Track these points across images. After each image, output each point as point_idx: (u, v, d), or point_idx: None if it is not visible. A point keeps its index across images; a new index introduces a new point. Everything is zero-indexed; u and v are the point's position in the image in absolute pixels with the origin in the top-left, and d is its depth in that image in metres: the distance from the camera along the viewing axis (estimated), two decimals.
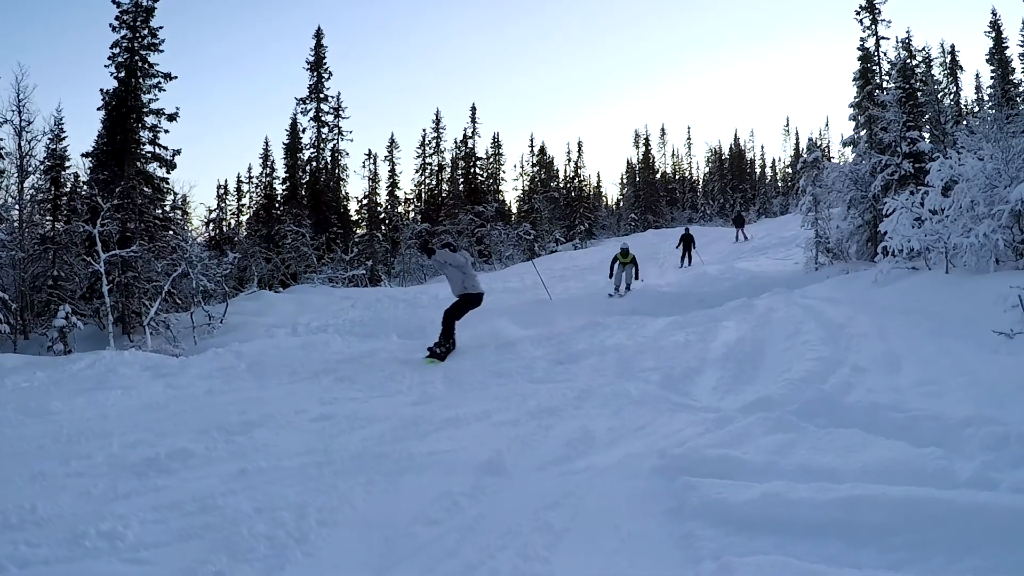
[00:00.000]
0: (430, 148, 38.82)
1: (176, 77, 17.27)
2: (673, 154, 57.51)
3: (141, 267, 15.56)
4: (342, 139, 30.04)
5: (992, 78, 27.13)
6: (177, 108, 17.39)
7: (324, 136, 29.49)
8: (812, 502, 2.56)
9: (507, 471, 3.38)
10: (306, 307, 15.32)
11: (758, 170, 57.99)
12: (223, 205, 40.17)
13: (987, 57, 27.12)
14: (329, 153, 29.72)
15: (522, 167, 46.21)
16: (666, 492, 2.98)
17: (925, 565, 2.18)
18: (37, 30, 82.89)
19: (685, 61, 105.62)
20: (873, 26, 16.22)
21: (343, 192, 30.82)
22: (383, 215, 35.44)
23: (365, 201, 34.23)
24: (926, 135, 17.54)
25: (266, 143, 33.35)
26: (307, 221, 25.29)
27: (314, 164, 29.18)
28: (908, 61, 17.36)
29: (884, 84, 16.04)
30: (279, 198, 29.18)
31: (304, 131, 29.36)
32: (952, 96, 28.48)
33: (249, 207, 36.81)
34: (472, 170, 37.21)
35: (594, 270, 18.98)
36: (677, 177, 55.02)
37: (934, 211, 9.78)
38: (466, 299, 7.74)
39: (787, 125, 67.22)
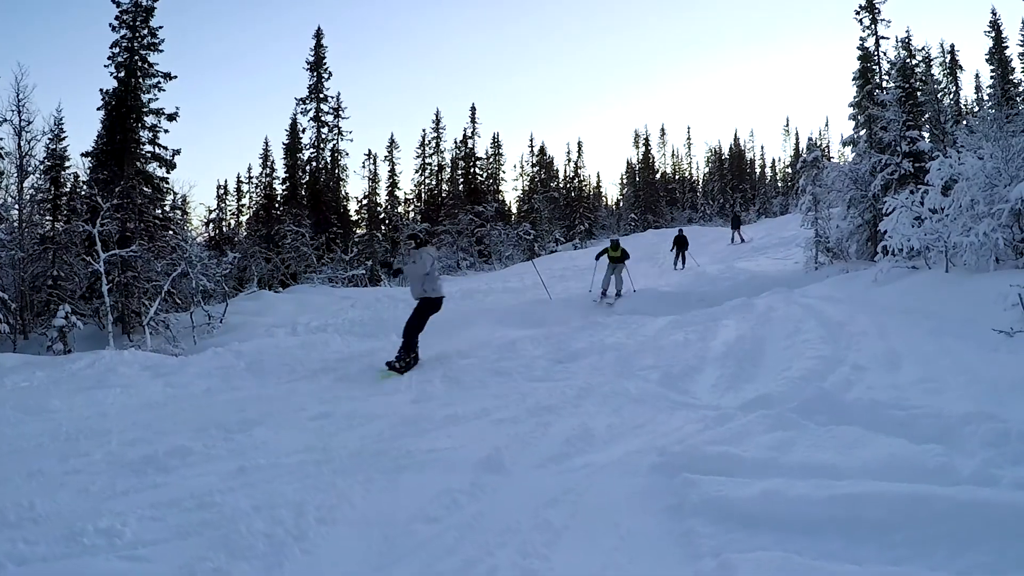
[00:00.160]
0: (430, 148, 38.83)
1: (176, 77, 17.26)
2: (673, 154, 57.53)
3: (141, 267, 15.54)
4: (342, 139, 30.02)
5: (992, 78, 27.13)
6: (177, 108, 17.39)
7: (324, 136, 29.48)
8: (812, 499, 2.55)
9: (506, 469, 3.37)
10: (306, 307, 15.31)
11: (758, 170, 57.99)
12: (223, 205, 40.14)
13: (987, 57, 27.12)
14: (329, 153, 29.71)
15: (522, 167, 46.23)
16: (666, 489, 2.97)
17: (927, 561, 2.17)
18: (37, 30, 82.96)
19: (685, 61, 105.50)
20: (873, 26, 16.22)
21: (343, 192, 30.82)
22: (383, 215, 35.44)
23: (365, 201, 34.21)
24: (926, 134, 17.54)
25: (266, 143, 33.33)
26: (307, 221, 25.28)
27: (314, 164, 29.17)
28: (908, 61, 17.34)
29: (884, 83, 16.03)
30: (279, 198, 29.16)
31: (304, 131, 29.35)
32: (952, 96, 28.45)
33: (249, 207, 36.80)
34: (472, 170, 37.20)
35: (594, 270, 18.94)
36: (677, 177, 54.98)
37: (934, 210, 9.77)
38: (426, 304, 6.98)
39: (787, 125, 67.22)
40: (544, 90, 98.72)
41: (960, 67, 29.20)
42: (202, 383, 6.05)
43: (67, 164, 18.25)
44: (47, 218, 17.73)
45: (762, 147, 76.70)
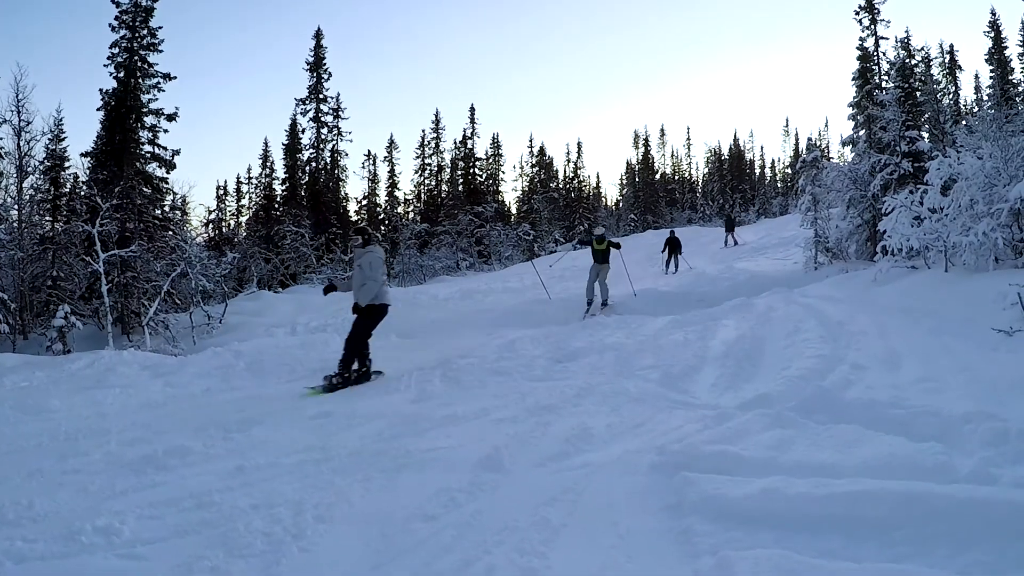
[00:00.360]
0: (429, 149, 38.83)
1: (175, 77, 17.27)
2: (672, 155, 57.59)
3: (140, 267, 15.53)
4: (341, 139, 30.07)
5: (991, 78, 27.15)
6: (176, 108, 17.40)
7: (323, 137, 29.50)
8: (811, 497, 2.55)
9: (505, 468, 3.37)
10: (305, 307, 15.29)
11: (757, 171, 58.02)
12: (222, 206, 40.13)
13: (986, 57, 27.14)
14: (328, 154, 29.74)
15: (521, 168, 46.22)
16: (665, 488, 2.96)
17: (926, 560, 2.17)
18: (37, 30, 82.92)
19: (685, 61, 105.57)
20: (872, 26, 16.24)
21: (342, 192, 30.88)
22: (382, 216, 35.45)
23: (364, 202, 34.29)
24: (925, 134, 17.52)
25: (266, 144, 33.32)
26: (306, 221, 25.28)
27: (313, 165, 29.18)
28: (907, 61, 17.30)
29: (883, 84, 16.04)
30: (278, 198, 29.19)
31: (303, 132, 29.38)
32: (951, 96, 28.48)
33: (248, 208, 36.81)
34: (471, 171, 37.18)
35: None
36: (677, 178, 55.01)
37: (933, 210, 9.77)
38: (373, 313, 6.11)
39: (786, 125, 67.45)
40: (544, 90, 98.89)
41: (959, 67, 29.26)
42: (201, 383, 6.05)
43: (67, 164, 18.31)
44: (47, 218, 17.76)
45: (762, 147, 76.89)
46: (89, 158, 17.08)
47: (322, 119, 29.33)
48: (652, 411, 4.53)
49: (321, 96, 29.28)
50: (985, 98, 28.46)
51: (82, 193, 17.04)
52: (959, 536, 2.22)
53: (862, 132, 16.06)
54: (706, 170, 55.85)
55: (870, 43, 16.34)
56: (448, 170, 38.56)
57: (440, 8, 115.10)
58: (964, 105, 29.56)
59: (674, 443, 3.56)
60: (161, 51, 17.17)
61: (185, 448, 3.72)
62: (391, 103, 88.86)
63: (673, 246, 19.12)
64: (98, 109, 16.98)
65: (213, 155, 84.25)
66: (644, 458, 3.40)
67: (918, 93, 17.53)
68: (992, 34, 26.95)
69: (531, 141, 63.74)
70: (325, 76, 29.38)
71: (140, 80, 17.00)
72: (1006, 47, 26.77)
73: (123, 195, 15.47)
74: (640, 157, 52.72)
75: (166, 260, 16.09)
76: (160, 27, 17.13)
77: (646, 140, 52.88)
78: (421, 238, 31.33)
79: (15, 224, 15.81)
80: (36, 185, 17.13)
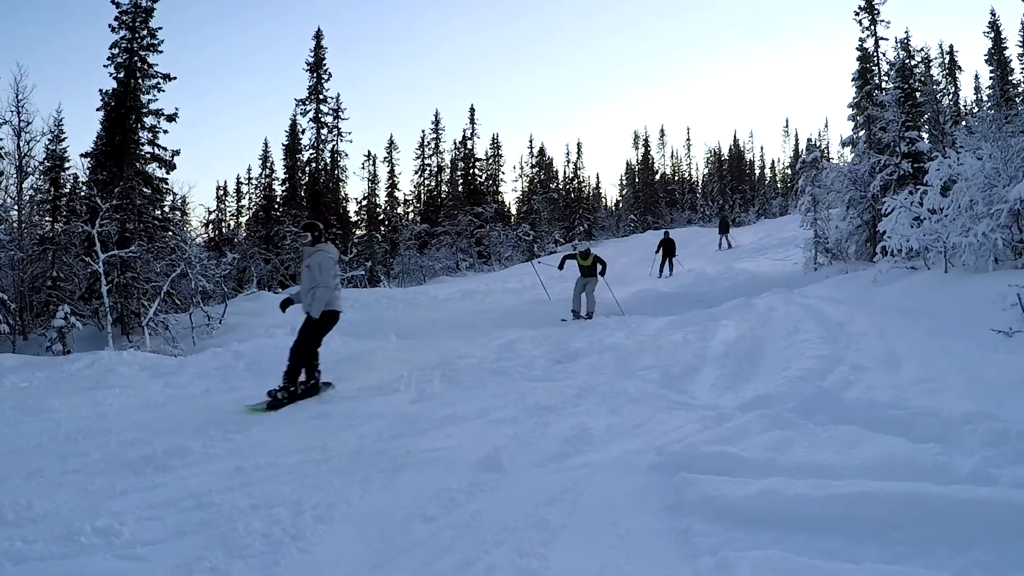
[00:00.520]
0: (429, 149, 38.82)
1: (175, 78, 17.24)
2: (672, 155, 57.62)
3: (140, 267, 15.53)
4: (341, 140, 30.03)
5: (991, 78, 27.14)
6: (176, 109, 17.36)
7: (323, 137, 29.48)
8: (811, 498, 2.55)
9: (504, 468, 3.37)
10: None
11: (757, 171, 58.00)
12: (222, 206, 40.05)
13: (986, 57, 27.12)
14: (328, 154, 29.71)
15: (521, 168, 46.18)
16: (664, 488, 2.97)
17: (925, 560, 2.17)
18: (37, 30, 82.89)
19: (685, 61, 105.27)
20: (872, 26, 16.23)
21: (342, 193, 30.83)
22: (382, 216, 35.43)
23: (364, 202, 34.23)
24: (925, 135, 17.52)
25: (265, 144, 33.25)
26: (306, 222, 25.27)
27: (313, 165, 29.16)
28: (907, 61, 17.31)
29: (883, 84, 16.04)
30: (278, 199, 29.16)
31: (303, 132, 29.33)
32: (951, 96, 28.49)
33: (248, 208, 36.74)
34: (471, 171, 37.16)
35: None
36: (676, 178, 55.00)
37: (933, 210, 9.78)
38: (324, 319, 5.56)
39: (786, 126, 67.48)
40: (544, 90, 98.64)
41: (959, 68, 29.26)
42: (201, 383, 6.05)
43: (67, 165, 18.28)
44: (46, 219, 17.73)
45: (761, 148, 77.07)
46: (89, 158, 17.06)
47: (322, 119, 29.31)
48: (652, 411, 4.53)
49: (321, 96, 29.26)
50: (985, 99, 28.44)
51: (82, 193, 17.04)
52: (959, 536, 2.23)
53: (862, 133, 16.06)
54: (706, 170, 55.84)
55: (870, 44, 16.34)
56: (448, 170, 38.56)
57: (440, 8, 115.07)
58: (964, 106, 29.57)
59: (674, 443, 3.56)
60: (161, 52, 17.16)
61: (185, 448, 3.72)
62: (391, 103, 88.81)
63: (667, 248, 18.30)
64: (98, 109, 16.98)
65: (213, 155, 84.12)
66: (644, 458, 3.40)
67: (918, 94, 17.52)
68: (992, 35, 26.94)
69: (531, 141, 63.91)
70: (325, 76, 29.36)
71: (140, 80, 16.99)
72: (1006, 47, 26.76)
73: (123, 195, 15.46)
74: (640, 157, 52.70)
75: (166, 260, 16.07)
76: (160, 28, 17.12)
77: (646, 140, 52.87)
78: (421, 239, 31.34)
79: (15, 224, 15.79)
80: (36, 185, 17.12)
